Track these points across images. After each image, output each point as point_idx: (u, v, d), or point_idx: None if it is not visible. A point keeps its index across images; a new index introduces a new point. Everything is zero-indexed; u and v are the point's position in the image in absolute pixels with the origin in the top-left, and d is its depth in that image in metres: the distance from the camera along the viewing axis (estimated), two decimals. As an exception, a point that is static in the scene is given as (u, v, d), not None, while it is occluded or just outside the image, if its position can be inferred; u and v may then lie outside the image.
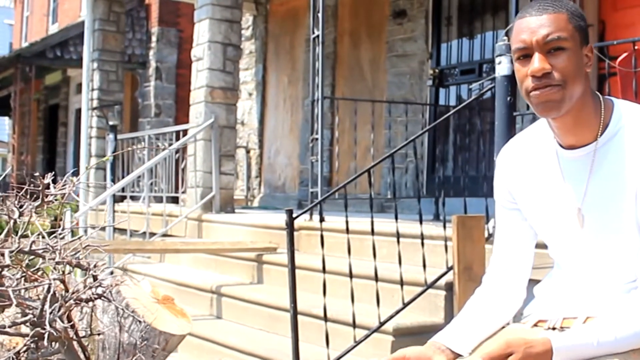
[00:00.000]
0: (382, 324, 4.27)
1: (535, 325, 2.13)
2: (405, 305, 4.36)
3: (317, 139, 6.38)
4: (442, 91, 8.50)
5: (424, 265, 4.45)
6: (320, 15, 6.20)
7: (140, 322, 2.83)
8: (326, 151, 6.39)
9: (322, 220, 4.40)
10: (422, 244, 4.51)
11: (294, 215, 4.17)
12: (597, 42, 6.59)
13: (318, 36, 6.31)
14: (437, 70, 8.45)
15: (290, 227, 4.12)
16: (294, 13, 10.54)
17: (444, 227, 4.58)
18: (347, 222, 4.48)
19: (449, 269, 4.52)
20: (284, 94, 10.76)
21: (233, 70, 8.16)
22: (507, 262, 2.21)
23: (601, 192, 1.96)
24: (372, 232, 4.47)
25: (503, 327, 2.19)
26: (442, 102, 8.45)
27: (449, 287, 4.52)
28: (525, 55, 1.90)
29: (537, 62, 1.86)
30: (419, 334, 4.46)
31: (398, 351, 2.01)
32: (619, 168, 1.93)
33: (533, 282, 2.28)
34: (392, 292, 4.63)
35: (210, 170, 8.05)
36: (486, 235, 4.58)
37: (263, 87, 11.12)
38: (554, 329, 2.06)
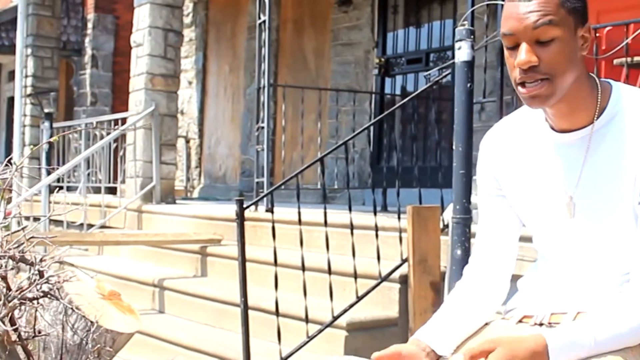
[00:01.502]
0: (335, 318, 4.11)
1: (520, 321, 1.99)
2: (359, 299, 4.21)
3: (262, 127, 6.19)
4: (388, 80, 8.38)
5: (378, 258, 4.31)
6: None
7: (85, 319, 2.63)
8: (269, 141, 6.17)
9: (272, 211, 4.22)
10: (377, 235, 4.37)
11: (244, 205, 3.98)
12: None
13: (265, 21, 6.12)
14: (383, 60, 8.33)
15: (240, 218, 3.93)
16: (236, 0, 10.31)
17: (399, 217, 4.44)
18: (299, 213, 4.32)
19: (404, 261, 4.39)
20: (224, 82, 10.53)
21: (174, 57, 7.91)
22: (490, 252, 2.07)
23: (596, 178, 1.83)
24: (325, 224, 4.31)
25: (487, 324, 2.05)
26: (387, 91, 8.33)
27: (404, 279, 4.39)
28: (514, 43, 1.76)
29: (524, 54, 1.73)
30: (373, 329, 4.33)
31: (393, 346, 1.86)
32: (617, 152, 1.80)
33: (513, 277, 2.14)
34: (344, 285, 4.49)
35: (151, 160, 7.80)
36: (441, 226, 4.47)
37: (203, 75, 10.87)
38: (541, 324, 1.93)
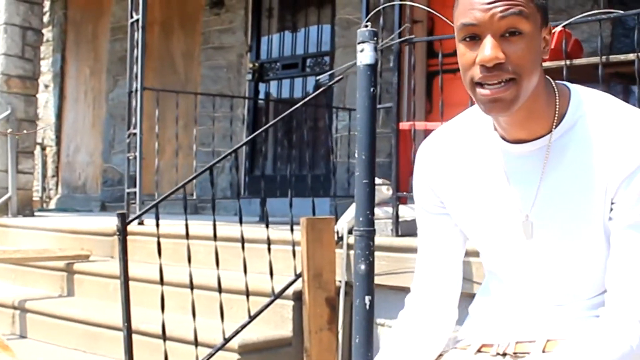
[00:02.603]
0: (227, 340, 3.78)
1: (479, 350, 1.76)
2: (251, 318, 3.90)
3: (134, 134, 5.77)
4: (262, 86, 8.10)
5: (271, 273, 4.01)
6: (140, -4, 5.60)
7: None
8: (141, 148, 5.75)
9: (157, 225, 3.83)
10: (269, 249, 4.06)
11: (128, 219, 3.59)
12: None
13: (138, 20, 5.71)
14: (257, 64, 8.05)
15: (123, 234, 3.54)
16: (97, -1, 9.76)
17: (291, 229, 4.15)
18: (186, 226, 3.98)
19: (297, 276, 4.10)
20: (85, 86, 9.94)
21: (33, 57, 7.35)
22: (434, 277, 1.83)
23: (556, 193, 1.61)
24: (215, 237, 3.97)
25: (441, 355, 1.80)
26: (262, 97, 8.06)
27: (297, 296, 4.10)
28: (474, 36, 1.51)
29: (489, 48, 1.48)
30: (266, 350, 4.02)
31: None
32: (581, 163, 1.59)
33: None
34: (232, 303, 4.16)
35: (6, 169, 7.19)
36: (336, 238, 4.22)
37: (61, 78, 10.22)
38: (504, 354, 1.70)
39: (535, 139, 1.60)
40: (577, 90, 1.64)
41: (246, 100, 7.88)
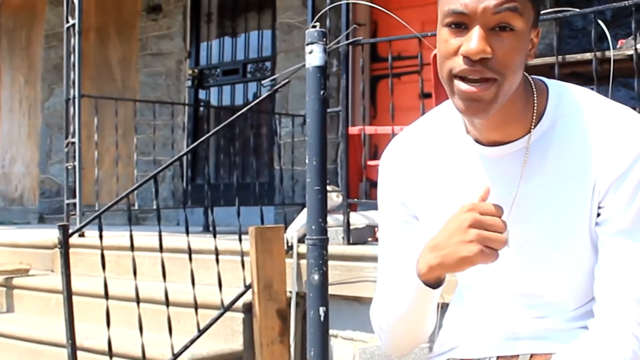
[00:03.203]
0: (176, 355, 3.65)
1: (458, 367, 1.66)
2: (201, 332, 3.77)
3: (73, 143, 5.58)
4: (201, 92, 7.96)
5: (220, 285, 3.89)
6: (76, 0, 5.42)
7: None
8: (81, 158, 5.56)
9: (101, 236, 3.68)
10: (217, 260, 3.95)
11: (70, 231, 3.44)
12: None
13: (74, 25, 5.53)
14: (196, 70, 7.90)
15: (65, 247, 3.39)
16: (31, 5, 9.47)
17: (240, 239, 4.03)
18: (131, 237, 3.83)
19: (247, 287, 3.99)
20: (20, 95, 9.65)
21: (-36, 66, 7.09)
22: None
23: (537, 198, 1.50)
24: (161, 248, 3.83)
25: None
26: (203, 104, 7.92)
27: (248, 308, 3.99)
28: (460, 23, 1.39)
29: (476, 40, 1.36)
30: (216, 365, 3.90)
31: None
32: (564, 165, 1.48)
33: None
34: (180, 317, 4.03)
35: (-62, 181, 6.93)
36: (285, 247, 4.11)
37: (-6, 87, 9.93)
38: (486, 371, 1.60)
39: (513, 141, 1.50)
40: (555, 86, 1.54)
41: (186, 107, 7.72)
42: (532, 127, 1.50)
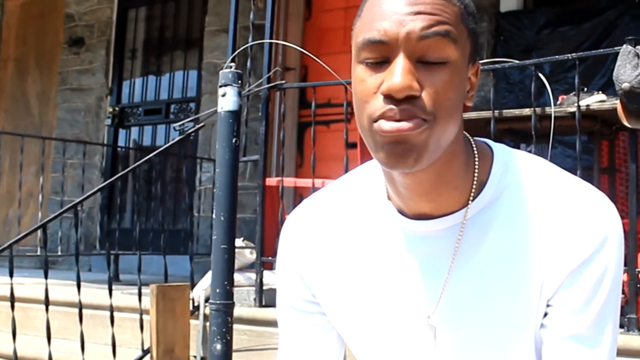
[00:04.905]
0: None
1: None
2: (87, 403, 3.35)
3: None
4: (122, 132, 7.56)
5: (114, 348, 3.48)
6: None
7: None
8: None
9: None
10: (112, 321, 3.54)
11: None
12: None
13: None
14: (117, 109, 7.51)
15: None
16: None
17: (139, 297, 3.64)
18: (12, 288, 3.42)
19: (145, 352, 3.60)
20: None
21: None
22: None
23: (471, 289, 1.18)
24: (46, 302, 3.43)
25: None
26: (121, 143, 7.52)
27: (145, 375, 3.59)
28: (380, 61, 1.08)
29: (401, 74, 1.04)
30: None
31: None
32: (506, 250, 1.17)
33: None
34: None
35: None
36: (191, 307, 3.73)
37: None
38: None
39: (445, 215, 1.18)
40: (502, 151, 1.23)
41: (105, 147, 7.30)
42: (471, 199, 1.18)
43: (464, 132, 1.20)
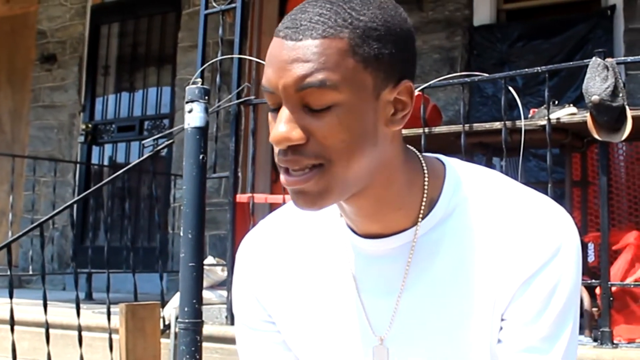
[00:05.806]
0: None
1: None
2: None
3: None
4: (95, 149, 7.50)
5: (82, 370, 3.42)
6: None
7: None
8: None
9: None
10: (80, 341, 3.47)
11: None
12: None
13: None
14: (90, 125, 7.45)
15: None
16: None
17: (108, 317, 3.58)
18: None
19: (114, 372, 3.53)
20: None
21: None
22: None
23: (424, 308, 1.16)
24: (12, 322, 3.35)
25: None
26: (95, 161, 7.45)
27: (114, 396, 3.53)
28: (276, 107, 1.07)
29: (281, 125, 1.04)
30: None
31: None
32: (458, 267, 1.15)
33: None
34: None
35: None
36: (162, 326, 3.67)
37: None
38: None
39: (395, 234, 1.16)
40: (454, 167, 1.21)
41: (78, 165, 7.24)
42: (421, 217, 1.15)
43: (411, 149, 1.19)
